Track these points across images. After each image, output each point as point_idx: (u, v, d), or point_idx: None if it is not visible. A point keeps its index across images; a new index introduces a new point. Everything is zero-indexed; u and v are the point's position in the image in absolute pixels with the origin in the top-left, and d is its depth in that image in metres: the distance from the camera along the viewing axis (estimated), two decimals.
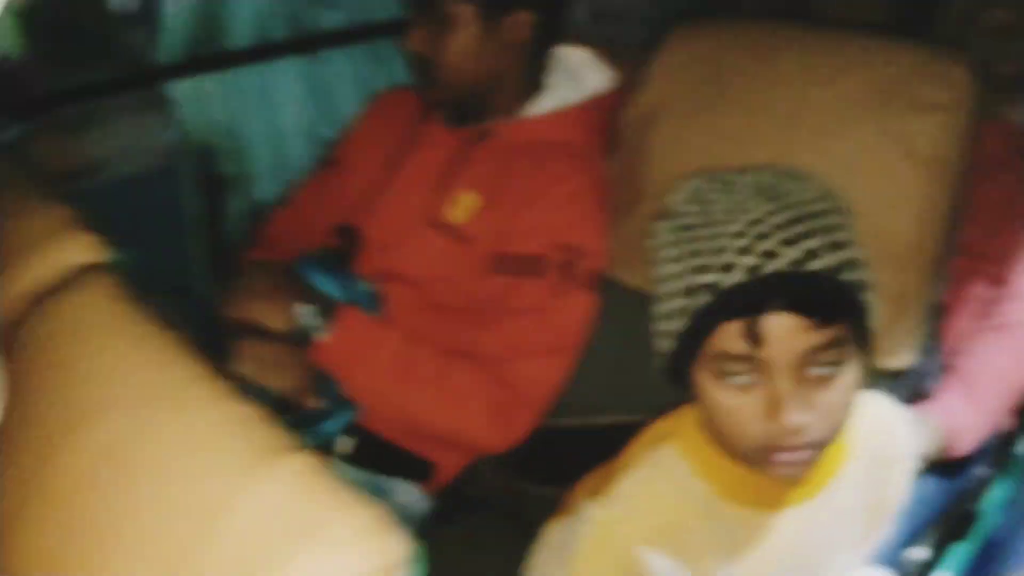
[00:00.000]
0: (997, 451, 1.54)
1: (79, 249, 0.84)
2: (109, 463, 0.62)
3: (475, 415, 1.18)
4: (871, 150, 0.94)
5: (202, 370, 0.66)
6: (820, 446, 0.74)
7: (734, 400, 0.74)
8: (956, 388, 1.25)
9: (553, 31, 1.30)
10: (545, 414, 1.21)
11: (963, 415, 1.22)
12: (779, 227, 0.73)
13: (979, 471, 1.49)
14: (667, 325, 0.78)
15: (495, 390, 1.18)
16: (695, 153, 1.08)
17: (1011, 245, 1.35)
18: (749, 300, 0.71)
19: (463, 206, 1.27)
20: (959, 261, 1.40)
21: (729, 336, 0.72)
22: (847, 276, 0.73)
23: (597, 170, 1.25)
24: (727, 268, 0.72)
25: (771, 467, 0.74)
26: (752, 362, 0.72)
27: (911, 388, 1.29)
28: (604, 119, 1.28)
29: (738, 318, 0.72)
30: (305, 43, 1.52)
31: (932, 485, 1.25)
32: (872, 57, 0.97)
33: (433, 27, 1.22)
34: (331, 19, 1.55)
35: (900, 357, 0.96)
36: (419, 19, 1.24)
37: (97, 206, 0.89)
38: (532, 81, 1.30)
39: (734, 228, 0.73)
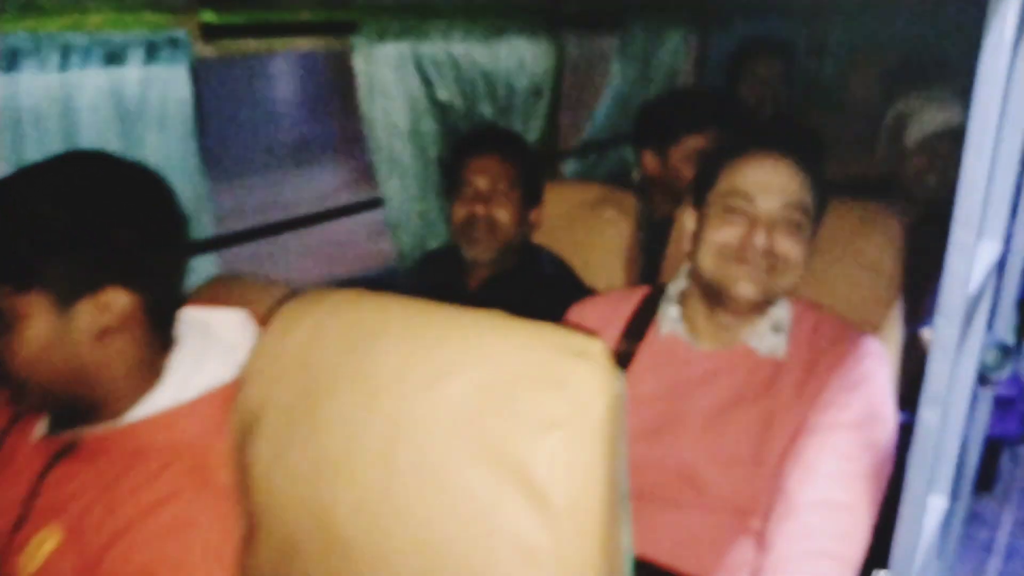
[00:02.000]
0: None
1: None
2: None
3: None
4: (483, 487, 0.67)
5: None
6: None
7: None
8: None
9: (169, 305, 1.02)
10: None
11: None
12: None
13: None
14: None
15: None
16: (296, 482, 0.81)
17: (761, 494, 1.11)
18: None
19: (38, 548, 0.93)
20: (720, 518, 1.16)
21: None
22: None
23: (225, 483, 0.94)
24: None
25: None
26: None
27: None
28: None
29: None
30: None
31: None
32: (489, 350, 0.72)
33: None
34: None
35: None
36: None
37: None
38: (147, 370, 1.00)
39: None
